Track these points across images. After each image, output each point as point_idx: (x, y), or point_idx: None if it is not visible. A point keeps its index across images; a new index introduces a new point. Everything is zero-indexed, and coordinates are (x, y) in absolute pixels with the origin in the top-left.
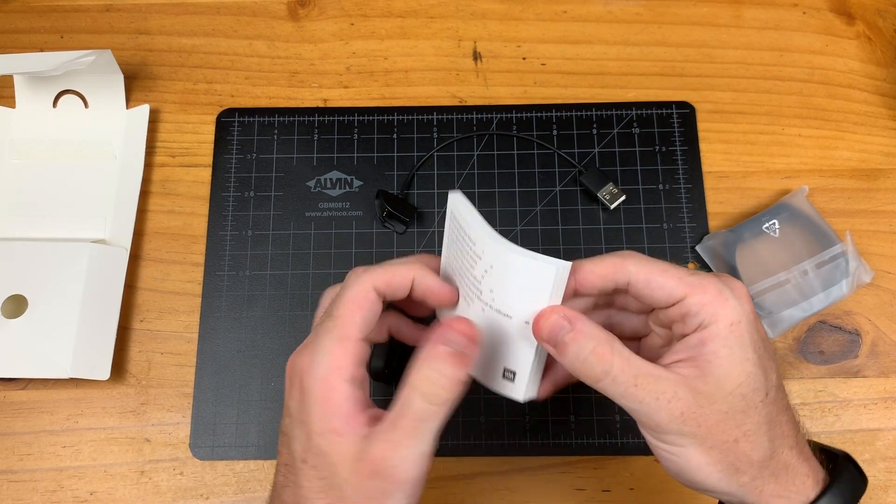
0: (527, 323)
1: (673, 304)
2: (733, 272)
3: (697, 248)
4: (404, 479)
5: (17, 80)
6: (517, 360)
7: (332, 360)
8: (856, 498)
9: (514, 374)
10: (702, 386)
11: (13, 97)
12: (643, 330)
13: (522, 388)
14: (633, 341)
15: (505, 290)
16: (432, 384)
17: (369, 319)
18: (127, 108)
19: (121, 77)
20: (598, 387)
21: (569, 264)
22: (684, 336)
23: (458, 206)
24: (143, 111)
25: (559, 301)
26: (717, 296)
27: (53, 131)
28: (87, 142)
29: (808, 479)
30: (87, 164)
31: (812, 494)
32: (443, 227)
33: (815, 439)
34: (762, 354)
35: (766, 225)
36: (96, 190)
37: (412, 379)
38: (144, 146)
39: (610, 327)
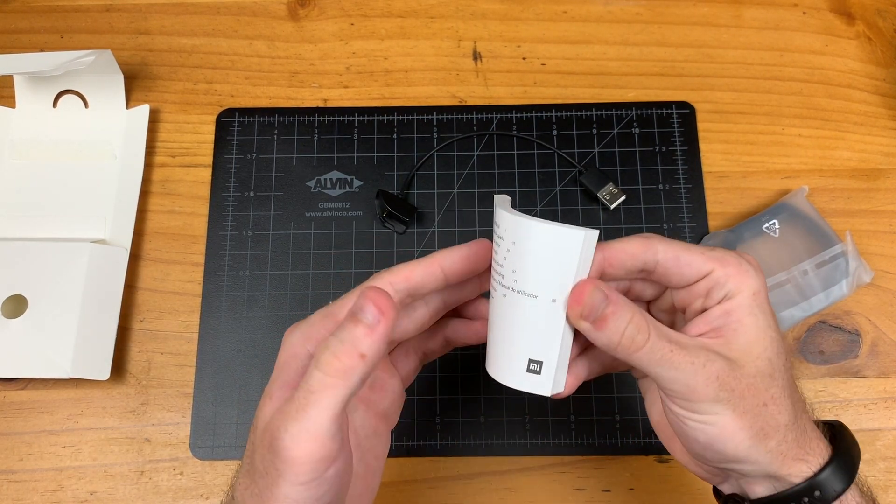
0: (554, 301)
1: (700, 279)
2: None
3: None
4: (291, 457)
5: (17, 80)
6: (543, 346)
7: (305, 331)
8: (859, 458)
9: (541, 364)
10: (730, 353)
11: (13, 97)
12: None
13: (550, 379)
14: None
15: (528, 266)
16: (330, 353)
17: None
18: (127, 108)
19: (121, 77)
20: (634, 357)
21: (596, 231)
22: (704, 310)
23: (497, 205)
24: (143, 111)
25: (586, 274)
26: (739, 268)
27: (53, 131)
28: (87, 142)
29: (820, 442)
30: (87, 164)
31: (826, 455)
32: (442, 227)
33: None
34: (776, 323)
35: (766, 225)
36: (96, 190)
37: (315, 349)
38: (144, 146)
39: None
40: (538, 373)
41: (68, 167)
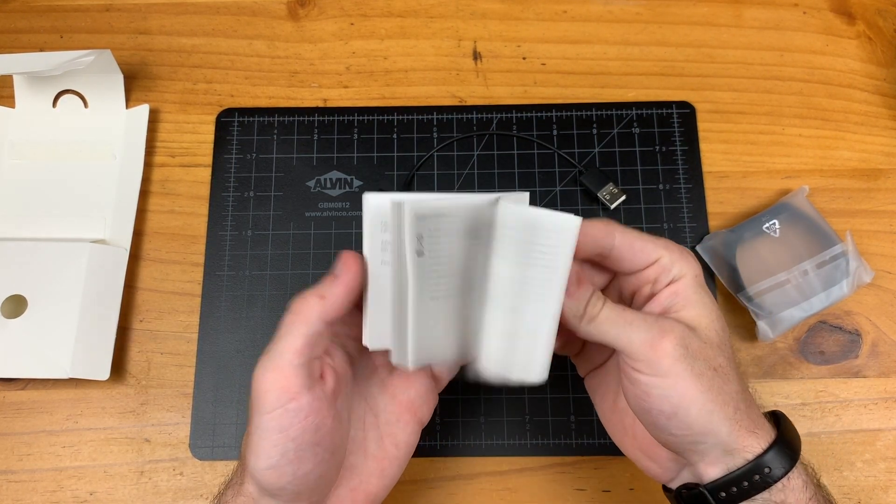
0: (547, 282)
1: (650, 266)
2: (733, 272)
3: (698, 248)
4: (257, 388)
5: (16, 80)
6: (533, 329)
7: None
8: (800, 441)
9: (531, 349)
10: (684, 322)
11: (13, 97)
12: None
13: (539, 363)
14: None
15: (513, 251)
16: (298, 298)
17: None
18: (126, 107)
19: (120, 77)
20: (596, 323)
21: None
22: (652, 296)
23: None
24: (142, 111)
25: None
26: (682, 253)
27: (53, 131)
28: (86, 142)
29: (765, 421)
30: (86, 164)
31: (772, 434)
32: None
33: (816, 440)
34: (715, 302)
35: (767, 225)
36: (96, 190)
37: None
38: (144, 146)
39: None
40: (532, 367)
41: (68, 167)
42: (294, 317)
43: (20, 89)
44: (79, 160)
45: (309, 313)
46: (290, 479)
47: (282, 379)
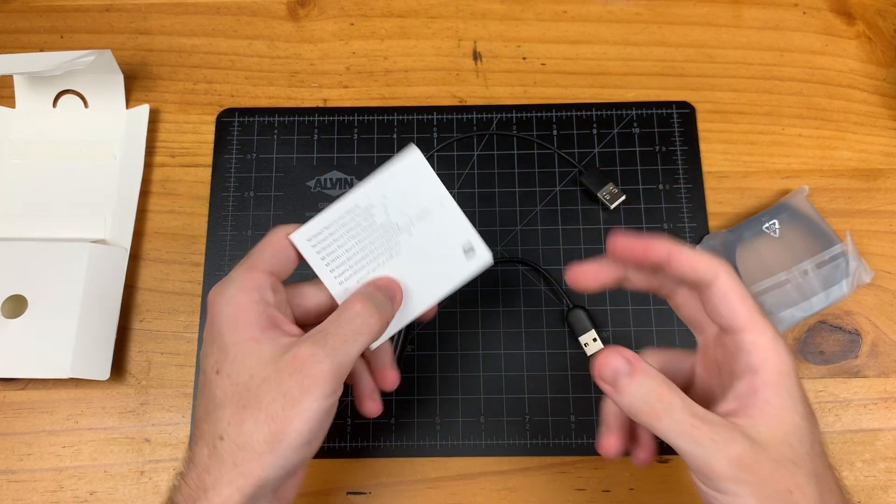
0: (441, 205)
1: (731, 332)
2: None
3: (698, 247)
4: (324, 378)
5: (16, 80)
6: (460, 233)
7: (239, 285)
8: None
9: (470, 243)
10: (754, 434)
11: (13, 97)
12: (688, 378)
13: (483, 249)
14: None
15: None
16: (361, 321)
17: (280, 257)
18: (127, 108)
19: (121, 77)
20: (656, 426)
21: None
22: (731, 372)
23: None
24: (142, 111)
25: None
26: (772, 342)
27: (53, 131)
28: (86, 142)
29: None
30: (86, 164)
31: None
32: None
33: None
34: (807, 407)
35: (766, 225)
36: (96, 190)
37: (346, 312)
38: (144, 146)
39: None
40: (473, 250)
41: (68, 167)
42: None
43: (20, 89)
44: (79, 160)
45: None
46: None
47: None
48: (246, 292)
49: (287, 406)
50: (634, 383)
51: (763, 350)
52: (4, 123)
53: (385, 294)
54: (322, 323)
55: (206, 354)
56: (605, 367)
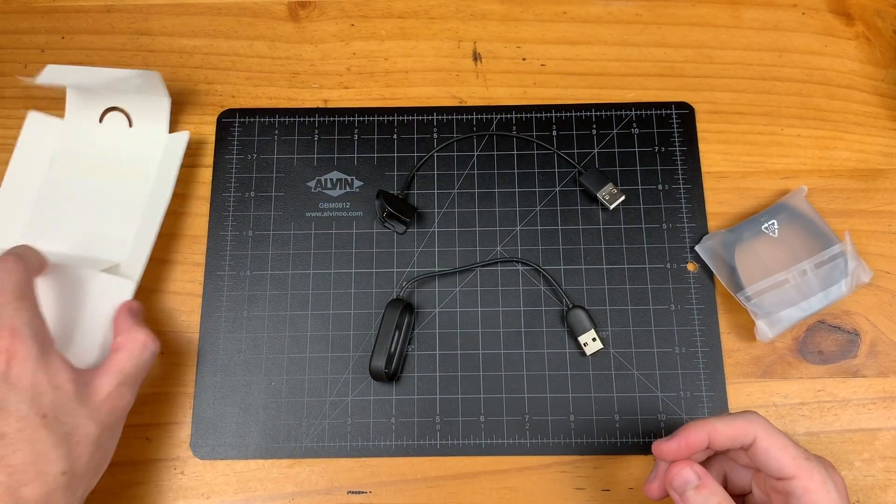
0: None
1: (783, 479)
2: (732, 272)
3: (697, 247)
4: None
5: (69, 92)
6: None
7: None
8: None
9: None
10: None
11: (64, 109)
12: (748, 486)
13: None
14: (738, 498)
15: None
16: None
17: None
18: (169, 131)
19: (167, 101)
20: None
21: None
22: None
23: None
24: (182, 137)
25: None
26: (822, 486)
27: (96, 146)
28: (124, 160)
29: None
30: (119, 184)
31: None
32: (442, 227)
33: (815, 440)
34: None
35: (765, 225)
36: (123, 211)
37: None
38: (177, 173)
39: (721, 475)
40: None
41: (102, 184)
42: None
43: (72, 101)
44: (113, 179)
45: None
46: None
47: None
48: (40, 321)
49: (112, 437)
50: (699, 497)
51: (813, 494)
52: (52, 133)
53: (140, 314)
54: (115, 358)
55: (21, 401)
56: (677, 478)
